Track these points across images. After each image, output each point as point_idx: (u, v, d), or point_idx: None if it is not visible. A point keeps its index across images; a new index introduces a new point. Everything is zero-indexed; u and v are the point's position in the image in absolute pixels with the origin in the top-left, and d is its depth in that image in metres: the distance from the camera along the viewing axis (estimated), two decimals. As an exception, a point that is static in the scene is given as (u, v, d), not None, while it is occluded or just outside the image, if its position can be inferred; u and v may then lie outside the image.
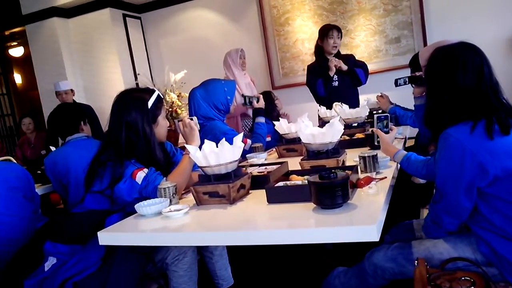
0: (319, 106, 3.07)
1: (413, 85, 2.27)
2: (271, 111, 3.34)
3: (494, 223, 1.28)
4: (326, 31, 3.43)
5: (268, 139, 2.87)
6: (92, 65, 5.04)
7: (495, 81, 1.31)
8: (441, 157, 1.30)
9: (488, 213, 1.29)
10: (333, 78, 3.44)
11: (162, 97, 1.89)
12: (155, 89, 1.87)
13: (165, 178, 1.69)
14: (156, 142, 1.79)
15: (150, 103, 1.77)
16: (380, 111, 3.01)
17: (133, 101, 1.77)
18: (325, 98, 3.40)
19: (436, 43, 1.85)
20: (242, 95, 2.80)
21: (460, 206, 1.29)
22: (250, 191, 1.63)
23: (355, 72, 3.44)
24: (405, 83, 2.65)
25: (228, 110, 2.69)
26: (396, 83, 2.72)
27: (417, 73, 2.23)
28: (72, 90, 4.29)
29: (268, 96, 3.49)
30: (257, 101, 2.83)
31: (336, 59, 3.41)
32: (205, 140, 1.57)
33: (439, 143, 1.31)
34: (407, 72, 2.93)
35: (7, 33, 5.88)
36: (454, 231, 1.39)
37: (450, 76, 1.30)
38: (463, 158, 1.22)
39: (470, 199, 1.27)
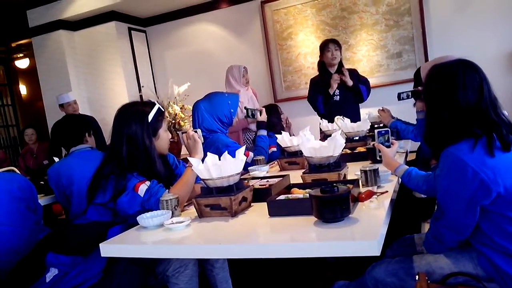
0: (321, 119, 3.10)
1: (416, 100, 2.29)
2: (277, 125, 3.36)
3: (495, 240, 1.28)
4: (323, 46, 3.53)
5: (274, 149, 2.89)
6: (96, 77, 5.10)
7: (494, 97, 1.32)
8: (442, 175, 1.30)
9: (489, 230, 1.29)
10: (334, 93, 3.49)
11: (163, 110, 1.90)
12: (156, 102, 1.88)
13: (167, 190, 1.70)
14: (156, 155, 1.80)
15: (150, 116, 1.79)
16: (381, 125, 3.03)
17: (133, 114, 1.79)
18: (327, 112, 3.45)
19: (439, 58, 1.87)
20: (245, 108, 2.82)
21: (462, 223, 1.29)
22: (252, 204, 1.64)
23: (359, 89, 3.49)
24: (407, 97, 2.67)
25: (231, 123, 2.70)
26: (399, 97, 2.74)
27: (420, 88, 2.25)
28: (75, 102, 4.31)
29: (275, 109, 3.52)
30: (260, 114, 2.85)
31: (340, 74, 3.45)
32: (208, 153, 1.58)
33: (441, 161, 1.31)
34: (408, 87, 2.96)
35: (13, 45, 5.97)
36: (455, 247, 1.39)
37: (449, 94, 1.31)
38: (465, 176, 1.22)
39: (473, 216, 1.27)
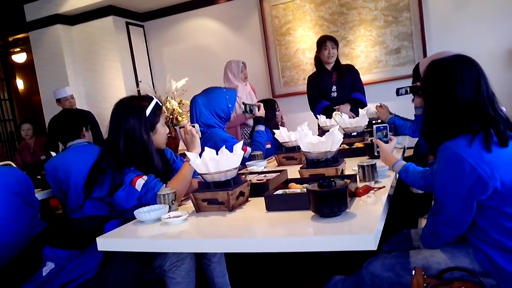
0: (319, 115, 3.10)
1: (414, 95, 2.28)
2: (271, 120, 3.36)
3: (492, 235, 1.28)
4: (320, 43, 3.50)
5: (268, 146, 2.88)
6: (94, 72, 5.08)
7: (492, 92, 1.32)
8: (440, 170, 1.30)
9: (486, 225, 1.29)
10: (332, 89, 3.49)
11: (161, 104, 1.90)
12: (154, 96, 1.88)
13: (164, 184, 1.70)
14: (153, 150, 1.79)
15: (148, 111, 1.78)
16: (379, 121, 3.03)
17: (131, 109, 1.78)
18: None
19: (437, 54, 1.87)
20: (243, 103, 2.81)
21: (459, 218, 1.29)
22: (249, 199, 1.64)
23: (358, 99, 3.48)
24: (406, 93, 2.67)
25: (229, 118, 2.70)
26: (398, 93, 2.74)
27: (418, 83, 2.25)
28: (72, 96, 4.29)
29: (271, 104, 3.51)
30: (258, 110, 2.85)
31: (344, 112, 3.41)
32: (205, 148, 1.58)
33: (438, 156, 1.31)
34: (406, 83, 2.96)
35: (10, 39, 5.93)
36: (452, 242, 1.40)
37: (447, 89, 1.31)
38: (462, 171, 1.22)
39: (470, 211, 1.27)
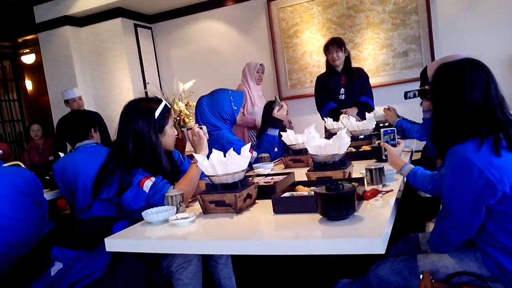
0: (326, 117, 3.09)
1: (422, 99, 2.27)
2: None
3: (500, 240, 1.27)
4: (325, 48, 3.52)
5: (275, 149, 2.88)
6: (102, 74, 5.11)
7: (501, 96, 1.31)
8: (448, 174, 1.29)
9: (494, 230, 1.28)
10: (340, 92, 3.49)
11: (170, 106, 1.91)
12: (163, 99, 1.89)
13: (172, 186, 1.70)
14: (162, 152, 1.80)
15: (157, 113, 1.79)
16: (386, 124, 3.02)
17: (140, 111, 1.79)
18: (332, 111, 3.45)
19: (446, 58, 1.86)
20: (275, 97, 2.81)
21: (467, 223, 1.28)
22: (257, 201, 1.64)
23: (366, 103, 3.48)
24: (414, 96, 2.66)
25: (233, 120, 2.69)
26: (406, 96, 2.73)
27: (427, 87, 2.24)
28: (80, 98, 4.31)
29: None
30: (278, 110, 2.75)
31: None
32: (213, 149, 1.58)
33: (446, 160, 1.31)
34: (414, 86, 2.94)
35: (20, 40, 6.00)
36: (460, 246, 1.39)
37: (457, 93, 1.30)
38: (471, 176, 1.22)
39: (478, 216, 1.26)
